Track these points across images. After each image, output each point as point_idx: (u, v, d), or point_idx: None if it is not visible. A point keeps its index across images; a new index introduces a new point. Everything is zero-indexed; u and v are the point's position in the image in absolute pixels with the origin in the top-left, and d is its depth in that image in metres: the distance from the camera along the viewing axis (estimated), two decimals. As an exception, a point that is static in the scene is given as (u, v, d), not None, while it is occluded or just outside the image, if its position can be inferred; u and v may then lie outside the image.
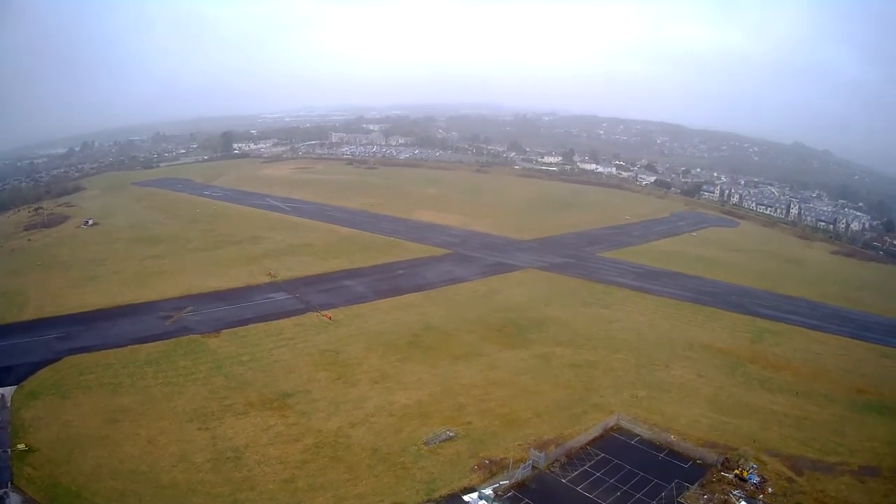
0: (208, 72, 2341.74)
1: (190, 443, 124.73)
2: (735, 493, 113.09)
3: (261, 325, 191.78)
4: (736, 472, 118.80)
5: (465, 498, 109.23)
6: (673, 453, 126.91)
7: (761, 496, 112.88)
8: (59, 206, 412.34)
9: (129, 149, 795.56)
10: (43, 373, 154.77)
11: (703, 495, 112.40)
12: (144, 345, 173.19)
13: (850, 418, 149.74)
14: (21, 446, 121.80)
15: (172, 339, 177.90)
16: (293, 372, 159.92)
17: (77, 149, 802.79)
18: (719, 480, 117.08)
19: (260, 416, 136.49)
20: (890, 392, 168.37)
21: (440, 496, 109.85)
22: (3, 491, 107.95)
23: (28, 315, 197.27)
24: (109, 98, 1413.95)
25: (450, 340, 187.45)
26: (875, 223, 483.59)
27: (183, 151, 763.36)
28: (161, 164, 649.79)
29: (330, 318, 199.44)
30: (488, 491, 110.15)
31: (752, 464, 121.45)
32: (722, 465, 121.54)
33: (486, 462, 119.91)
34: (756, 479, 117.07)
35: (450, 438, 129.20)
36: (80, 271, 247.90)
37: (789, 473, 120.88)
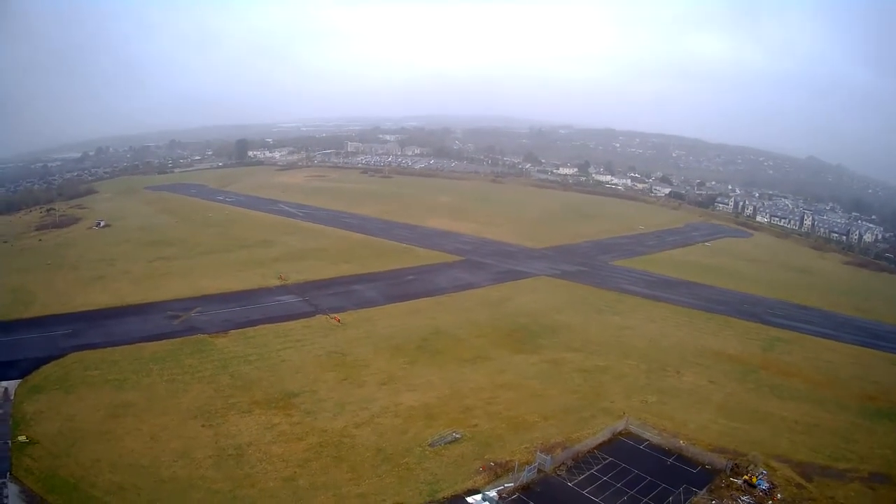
0: (225, 81, 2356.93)
1: (192, 439, 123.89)
2: (744, 498, 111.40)
3: (269, 326, 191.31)
4: (745, 477, 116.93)
5: (469, 500, 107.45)
6: (681, 458, 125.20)
7: (770, 502, 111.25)
8: (70, 207, 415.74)
9: (144, 154, 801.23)
10: (47, 368, 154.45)
11: (712, 501, 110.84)
12: (151, 343, 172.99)
13: (861, 425, 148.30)
14: (22, 438, 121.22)
15: (179, 339, 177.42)
16: (300, 372, 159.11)
17: (91, 153, 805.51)
18: (728, 486, 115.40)
19: (264, 415, 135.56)
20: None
21: (443, 497, 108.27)
22: (1, 481, 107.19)
23: (35, 312, 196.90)
24: (126, 106, 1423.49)
25: (459, 345, 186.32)
26: (888, 235, 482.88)
27: (198, 158, 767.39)
28: (175, 170, 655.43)
29: (339, 320, 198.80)
30: (492, 493, 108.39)
31: (761, 469, 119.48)
32: (731, 470, 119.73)
33: (492, 464, 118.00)
34: (765, 485, 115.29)
35: (455, 440, 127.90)
36: (89, 271, 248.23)
37: (799, 479, 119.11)
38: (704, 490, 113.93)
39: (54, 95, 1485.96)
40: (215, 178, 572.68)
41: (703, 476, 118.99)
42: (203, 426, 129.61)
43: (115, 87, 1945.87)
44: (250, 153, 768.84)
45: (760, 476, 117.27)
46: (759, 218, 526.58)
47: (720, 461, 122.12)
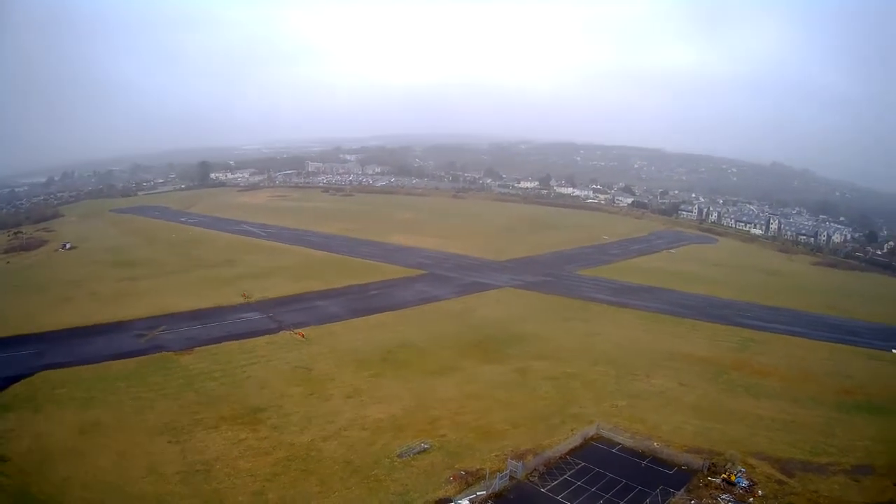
0: (186, 104, 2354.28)
1: (160, 456, 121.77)
2: (724, 497, 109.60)
3: (234, 343, 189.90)
4: (723, 476, 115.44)
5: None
6: (656, 460, 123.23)
7: (751, 499, 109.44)
8: (37, 231, 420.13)
9: (108, 178, 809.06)
10: (16, 387, 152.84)
11: (691, 500, 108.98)
12: (117, 361, 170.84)
13: (840, 419, 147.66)
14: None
15: (145, 356, 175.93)
16: (265, 388, 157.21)
17: (57, 178, 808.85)
18: (706, 485, 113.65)
19: (231, 430, 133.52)
20: (878, 392, 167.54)
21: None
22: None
23: (3, 332, 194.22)
24: (89, 130, 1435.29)
25: (424, 356, 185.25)
26: (857, 235, 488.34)
27: (161, 181, 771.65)
28: (139, 193, 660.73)
29: (303, 336, 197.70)
30: (464, 501, 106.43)
31: (739, 467, 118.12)
32: (708, 469, 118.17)
33: (462, 473, 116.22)
34: (745, 483, 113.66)
35: (424, 451, 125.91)
36: (56, 292, 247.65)
37: (779, 476, 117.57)
38: (682, 490, 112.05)
39: (15, 121, 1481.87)
40: (178, 200, 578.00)
41: (679, 477, 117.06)
42: (170, 443, 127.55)
43: (77, 111, 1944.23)
44: (213, 175, 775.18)
45: (739, 474, 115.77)
46: (724, 223, 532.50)
47: (697, 461, 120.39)
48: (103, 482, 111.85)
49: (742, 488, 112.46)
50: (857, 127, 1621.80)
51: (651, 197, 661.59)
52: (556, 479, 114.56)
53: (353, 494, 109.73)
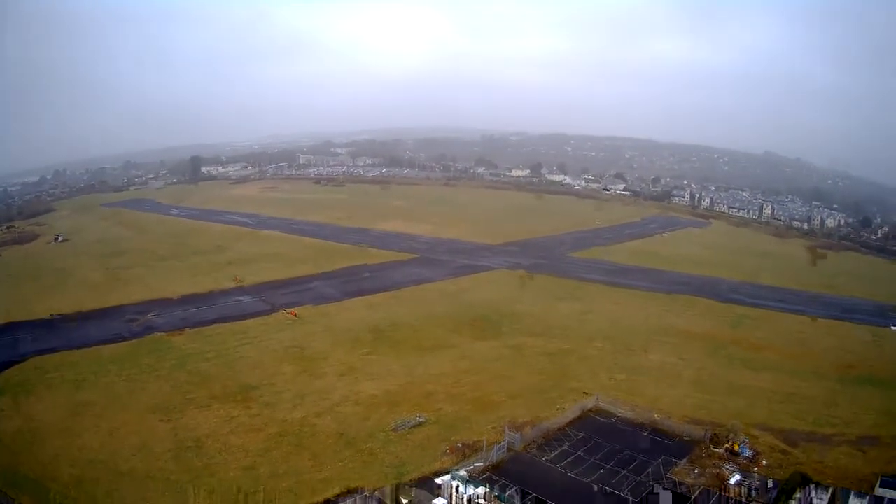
0: (176, 101, 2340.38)
1: (151, 434, 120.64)
2: (727, 466, 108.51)
3: (226, 324, 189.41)
4: (726, 445, 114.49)
5: (438, 480, 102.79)
6: (657, 431, 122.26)
7: (756, 469, 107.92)
8: (30, 225, 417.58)
9: (100, 175, 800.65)
10: (8, 372, 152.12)
11: (694, 469, 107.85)
12: (109, 345, 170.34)
13: (842, 392, 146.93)
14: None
15: (137, 340, 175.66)
16: (258, 367, 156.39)
17: (49, 177, 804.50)
18: (709, 455, 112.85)
19: (223, 408, 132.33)
20: (881, 366, 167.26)
21: (411, 479, 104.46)
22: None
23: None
24: (80, 129, 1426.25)
25: (418, 334, 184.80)
26: (851, 220, 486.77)
27: (152, 177, 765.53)
28: (131, 188, 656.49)
29: (295, 315, 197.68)
30: (462, 472, 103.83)
31: (743, 437, 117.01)
32: (711, 440, 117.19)
33: (459, 445, 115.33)
34: (749, 453, 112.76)
35: (419, 424, 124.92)
36: (48, 281, 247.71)
37: (783, 446, 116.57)
38: (685, 460, 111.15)
39: (7, 120, 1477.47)
40: (170, 194, 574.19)
41: (681, 447, 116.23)
42: (161, 421, 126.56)
43: (69, 108, 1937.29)
44: (204, 169, 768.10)
45: (742, 444, 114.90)
46: (716, 209, 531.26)
47: (698, 432, 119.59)
48: (93, 460, 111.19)
49: (745, 458, 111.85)
50: (849, 118, 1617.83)
51: (643, 184, 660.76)
52: (555, 450, 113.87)
53: (347, 467, 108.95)
